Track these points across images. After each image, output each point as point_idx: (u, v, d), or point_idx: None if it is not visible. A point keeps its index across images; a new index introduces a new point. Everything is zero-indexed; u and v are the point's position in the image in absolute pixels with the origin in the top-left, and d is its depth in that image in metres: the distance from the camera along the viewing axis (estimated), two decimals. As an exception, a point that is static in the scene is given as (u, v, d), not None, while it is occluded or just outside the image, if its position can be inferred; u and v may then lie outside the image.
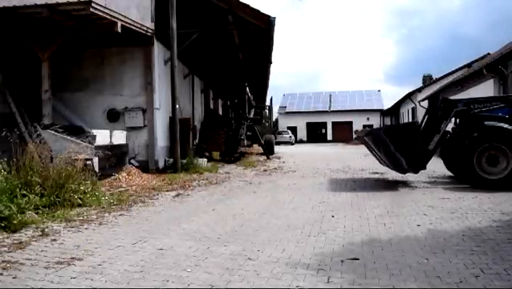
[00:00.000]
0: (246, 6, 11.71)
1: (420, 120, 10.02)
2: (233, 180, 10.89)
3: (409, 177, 10.18)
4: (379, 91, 56.28)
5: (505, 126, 8.60)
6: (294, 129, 49.29)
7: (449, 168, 10.32)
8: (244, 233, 5.14)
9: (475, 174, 8.47)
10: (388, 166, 9.62)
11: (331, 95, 54.66)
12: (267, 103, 33.96)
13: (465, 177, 8.93)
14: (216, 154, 17.52)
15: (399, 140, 8.72)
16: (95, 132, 9.50)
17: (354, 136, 38.34)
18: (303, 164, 15.56)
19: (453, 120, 9.45)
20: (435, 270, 3.64)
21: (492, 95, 15.47)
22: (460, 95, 18.70)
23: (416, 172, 9.11)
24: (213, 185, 9.89)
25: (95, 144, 8.99)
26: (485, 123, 8.84)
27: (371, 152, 10.70)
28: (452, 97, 18.58)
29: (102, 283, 3.48)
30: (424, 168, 9.15)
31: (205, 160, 14.03)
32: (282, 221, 5.78)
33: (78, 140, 8.63)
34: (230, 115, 23.14)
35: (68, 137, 8.65)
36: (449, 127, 9.52)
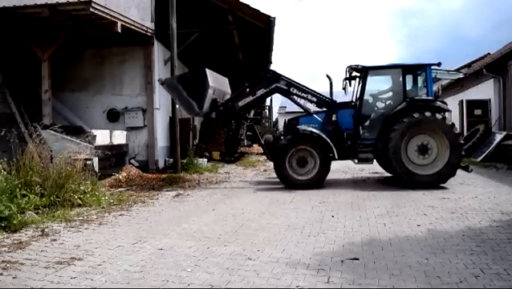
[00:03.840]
0: (246, 6, 11.70)
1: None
2: (233, 180, 10.90)
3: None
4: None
5: (315, 131, 9.12)
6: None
7: None
8: (244, 233, 5.14)
9: (286, 174, 8.97)
10: (184, 110, 10.45)
11: (331, 95, 54.51)
12: (267, 103, 33.92)
13: (278, 176, 9.24)
14: (216, 154, 17.47)
15: (191, 87, 9.52)
16: (95, 132, 9.49)
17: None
18: (303, 164, 15.55)
19: None
20: (435, 270, 3.65)
21: (491, 94, 15.55)
22: (460, 94, 18.69)
23: (217, 118, 10.27)
24: (213, 185, 9.89)
25: (95, 144, 8.99)
26: (298, 127, 9.44)
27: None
28: (452, 97, 18.69)
29: (102, 283, 3.49)
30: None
31: (205, 160, 14.02)
32: (282, 221, 5.78)
33: (78, 140, 8.63)
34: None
35: (68, 137, 8.64)
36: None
